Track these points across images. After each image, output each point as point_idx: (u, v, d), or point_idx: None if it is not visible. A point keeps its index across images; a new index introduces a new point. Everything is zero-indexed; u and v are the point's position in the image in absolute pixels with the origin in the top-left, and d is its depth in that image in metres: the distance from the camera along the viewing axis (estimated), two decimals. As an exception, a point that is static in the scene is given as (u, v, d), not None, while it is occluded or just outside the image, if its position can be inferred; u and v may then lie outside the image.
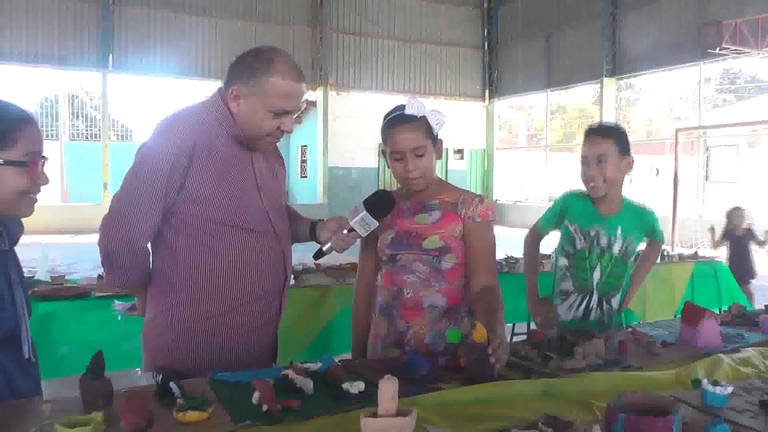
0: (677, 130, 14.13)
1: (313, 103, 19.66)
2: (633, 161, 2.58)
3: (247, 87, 1.91)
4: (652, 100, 30.33)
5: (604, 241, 2.58)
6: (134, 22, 16.16)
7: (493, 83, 20.36)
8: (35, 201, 1.67)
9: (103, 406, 1.53)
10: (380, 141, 2.21)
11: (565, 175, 22.71)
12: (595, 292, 2.62)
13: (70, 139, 24.15)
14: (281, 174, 2.20)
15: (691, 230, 12.78)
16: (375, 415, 1.23)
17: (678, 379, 1.78)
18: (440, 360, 1.88)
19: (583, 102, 29.20)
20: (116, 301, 2.23)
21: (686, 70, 15.45)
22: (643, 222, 2.64)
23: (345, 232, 2.04)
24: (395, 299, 2.17)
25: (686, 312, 2.22)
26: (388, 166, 2.19)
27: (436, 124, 2.17)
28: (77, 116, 25.77)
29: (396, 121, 2.13)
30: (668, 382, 1.77)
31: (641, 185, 22.88)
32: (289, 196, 22.43)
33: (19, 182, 1.59)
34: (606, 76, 15.92)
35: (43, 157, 1.67)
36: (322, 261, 2.26)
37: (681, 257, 5.83)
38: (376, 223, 2.05)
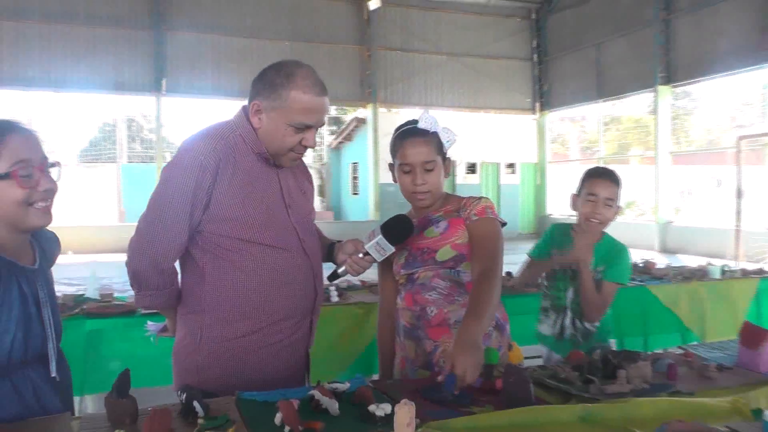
0: (740, 138, 13.61)
1: (363, 121, 19.78)
2: (620, 209, 2.75)
3: (268, 101, 1.89)
4: (712, 107, 29.48)
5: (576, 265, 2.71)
6: (186, 46, 16.55)
7: (543, 95, 20.08)
8: (47, 209, 1.64)
9: (128, 424, 1.53)
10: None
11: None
12: (568, 310, 2.73)
13: (128, 161, 24.94)
14: (310, 191, 2.17)
15: (757, 244, 12.26)
16: None
17: (735, 408, 1.64)
18: (476, 381, 1.80)
19: (638, 112, 28.56)
20: (149, 322, 2.23)
21: (749, 75, 14.82)
22: (610, 254, 2.69)
23: (360, 255, 1.99)
24: (419, 319, 2.11)
25: (745, 333, 2.06)
26: (395, 181, 2.16)
27: (447, 141, 2.15)
28: (134, 139, 26.56)
29: (408, 134, 2.12)
30: (723, 411, 1.63)
31: (701, 197, 22.18)
32: (341, 213, 22.59)
33: (14, 193, 1.56)
34: (660, 85, 15.47)
35: (51, 163, 1.64)
36: (363, 277, 2.24)
37: (744, 272, 5.49)
38: (392, 249, 2.00)
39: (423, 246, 2.10)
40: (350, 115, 25.01)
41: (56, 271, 1.87)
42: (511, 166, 20.66)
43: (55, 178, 1.65)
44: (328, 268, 2.10)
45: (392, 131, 2.21)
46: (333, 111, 28.47)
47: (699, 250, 13.56)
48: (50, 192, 1.64)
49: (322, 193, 24.76)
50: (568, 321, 2.71)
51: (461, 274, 2.08)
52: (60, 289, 2.11)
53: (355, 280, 4.17)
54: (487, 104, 19.83)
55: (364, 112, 19.17)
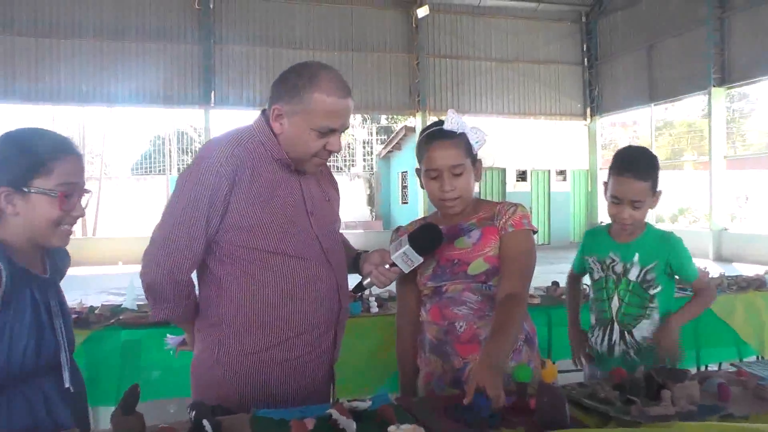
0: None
1: (412, 129, 19.70)
2: (661, 193, 2.38)
3: (290, 105, 1.81)
4: (771, 110, 28.35)
5: (619, 267, 2.41)
6: (234, 58, 16.79)
7: (594, 100, 19.64)
8: (69, 233, 1.66)
9: None
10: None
11: (673, 194, 21.57)
12: (615, 323, 2.42)
13: (178, 173, 25.26)
14: (335, 199, 2.08)
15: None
16: None
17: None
18: (506, 400, 1.68)
19: (692, 116, 27.70)
20: (168, 335, 2.18)
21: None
22: (663, 250, 2.36)
23: (387, 266, 1.90)
24: (447, 334, 1.99)
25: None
26: (422, 186, 2.04)
27: (476, 142, 2.01)
28: (185, 152, 27.08)
29: (434, 136, 1.99)
30: (780, 436, 1.47)
31: (759, 203, 21.34)
32: (390, 222, 22.52)
33: (51, 212, 1.58)
34: (714, 86, 14.91)
35: (86, 190, 1.66)
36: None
37: (810, 281, 5.16)
38: (421, 259, 1.90)
39: (454, 257, 1.98)
40: (399, 123, 24.99)
41: (104, 281, 1.87)
42: (561, 173, 20.28)
43: (83, 205, 1.68)
44: (355, 279, 2.01)
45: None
46: (383, 120, 28.55)
47: (756, 258, 13.01)
48: (78, 218, 1.68)
49: (371, 203, 24.79)
50: (616, 336, 2.39)
51: (492, 288, 1.97)
52: (109, 299, 2.10)
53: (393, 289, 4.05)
54: (537, 110, 19.53)
55: (414, 120, 19.09)
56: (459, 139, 1.97)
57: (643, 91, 17.57)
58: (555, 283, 4.55)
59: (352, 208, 22.84)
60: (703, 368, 4.54)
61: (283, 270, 1.83)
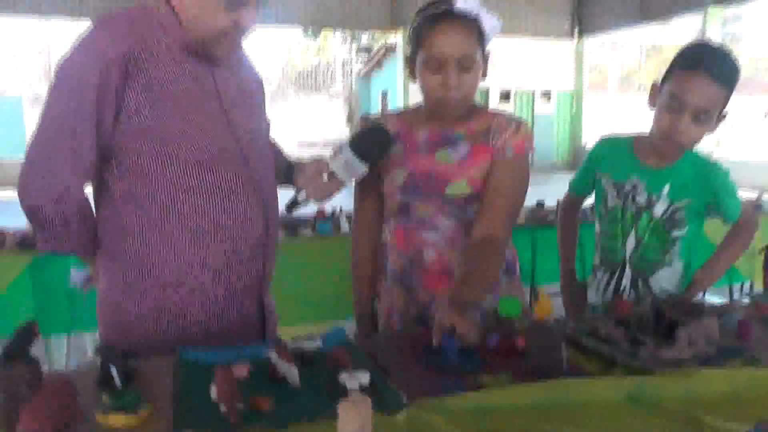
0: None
1: (393, 48, 18.97)
2: (725, 118, 1.79)
3: None
4: (761, 33, 27.80)
5: (642, 198, 1.88)
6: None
7: (582, 19, 18.97)
8: None
9: (26, 397, 1.13)
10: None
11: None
12: (627, 266, 1.93)
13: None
14: (259, 95, 1.68)
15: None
16: None
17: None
18: (490, 340, 1.39)
19: (683, 40, 27.09)
20: (72, 268, 1.84)
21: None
22: (706, 184, 1.84)
23: (324, 177, 1.56)
24: (413, 263, 1.67)
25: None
26: (411, 79, 1.64)
27: (490, 30, 1.60)
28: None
29: (440, 17, 1.55)
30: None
31: (747, 129, 21.16)
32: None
33: None
34: (711, 4, 14.32)
35: None
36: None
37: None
38: (365, 169, 1.56)
39: (430, 171, 1.62)
40: (380, 41, 24.22)
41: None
42: (546, 94, 19.84)
43: None
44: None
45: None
46: (363, 39, 27.64)
47: (743, 183, 12.78)
48: None
49: (350, 123, 24.25)
50: (627, 282, 1.93)
51: (470, 214, 1.63)
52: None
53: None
54: (523, 28, 18.80)
55: (393, 37, 18.34)
56: (472, 24, 1.56)
57: (634, 9, 16.91)
58: (540, 204, 4.27)
59: (331, 128, 22.30)
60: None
61: (193, 183, 1.46)
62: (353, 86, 25.15)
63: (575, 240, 2.19)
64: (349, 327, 1.78)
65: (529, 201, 4.44)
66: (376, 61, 21.88)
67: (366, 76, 23.61)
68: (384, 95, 21.42)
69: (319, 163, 1.60)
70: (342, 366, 1.22)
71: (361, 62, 25.18)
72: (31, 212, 1.45)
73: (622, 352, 1.30)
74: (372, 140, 1.56)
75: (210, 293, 1.53)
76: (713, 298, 4.73)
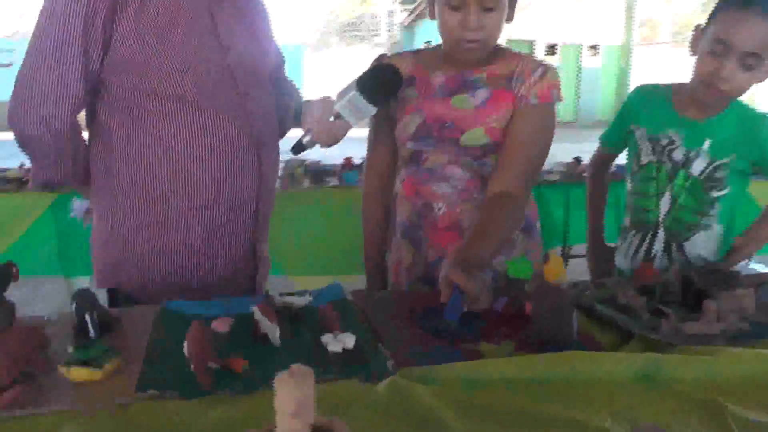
0: None
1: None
2: None
3: None
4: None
5: (679, 154, 1.70)
6: None
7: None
8: None
9: None
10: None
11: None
12: (660, 229, 1.76)
13: None
14: (263, 28, 1.58)
15: None
16: None
17: None
18: (496, 303, 1.27)
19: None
20: (75, 199, 1.79)
21: None
22: (753, 139, 1.65)
23: (331, 119, 1.44)
24: (422, 217, 1.55)
25: None
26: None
27: None
28: None
29: None
30: None
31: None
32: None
33: None
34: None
35: None
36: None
37: None
38: (373, 110, 1.43)
39: (445, 117, 1.48)
40: (425, -9, 23.69)
41: None
42: (594, 47, 19.17)
43: None
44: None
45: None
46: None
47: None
48: None
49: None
50: (659, 246, 1.77)
51: (488, 166, 1.50)
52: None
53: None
54: (572, -22, 18.14)
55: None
56: None
57: (691, -41, 16.10)
58: (577, 159, 4.08)
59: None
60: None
61: (186, 122, 1.41)
62: (397, 37, 24.68)
63: (604, 199, 2.03)
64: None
65: (567, 157, 4.28)
66: (420, 11, 21.41)
67: (410, 27, 23.13)
68: (428, 46, 21.05)
69: (325, 103, 1.49)
70: (330, 326, 1.12)
71: (405, 12, 24.72)
72: (20, 140, 1.43)
73: (640, 324, 1.18)
74: (380, 80, 1.43)
75: (198, 233, 1.48)
76: (756, 267, 4.52)
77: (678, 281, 1.30)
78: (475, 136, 1.45)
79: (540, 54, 18.58)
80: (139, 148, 1.41)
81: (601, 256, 1.98)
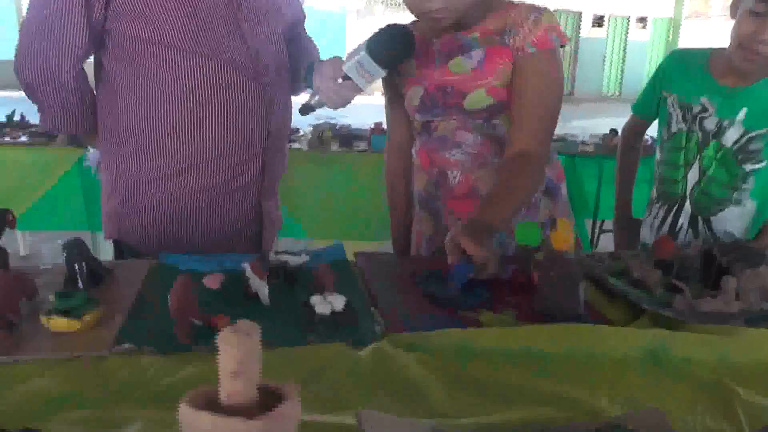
0: None
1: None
2: None
3: None
4: None
5: (711, 123, 1.58)
6: None
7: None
8: None
9: None
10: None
11: None
12: (687, 201, 1.66)
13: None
14: None
15: None
16: (214, 401, 0.60)
17: None
18: (504, 272, 1.21)
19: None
20: (90, 149, 1.78)
21: None
22: None
23: (339, 80, 1.36)
24: (438, 186, 1.48)
25: None
26: None
27: None
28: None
29: None
30: None
31: None
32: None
33: None
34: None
35: None
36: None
37: None
38: (382, 72, 1.35)
39: (446, 84, 1.39)
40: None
41: None
42: (642, 20, 18.61)
43: None
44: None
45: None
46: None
47: None
48: None
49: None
50: (684, 220, 1.67)
51: (498, 128, 1.41)
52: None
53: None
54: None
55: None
56: None
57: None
58: (613, 131, 3.94)
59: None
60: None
61: (192, 73, 1.37)
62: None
63: (634, 169, 1.93)
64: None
65: (604, 129, 4.15)
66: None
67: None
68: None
69: (334, 64, 1.42)
70: (323, 287, 1.07)
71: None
72: (26, 89, 1.43)
73: (652, 299, 1.10)
74: (390, 41, 1.35)
75: (202, 188, 1.46)
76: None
77: (698, 256, 1.21)
78: (478, 98, 1.37)
79: (587, 25, 18.11)
80: (143, 98, 1.39)
81: (627, 229, 1.90)
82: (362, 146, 3.78)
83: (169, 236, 1.46)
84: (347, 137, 3.82)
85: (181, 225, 1.45)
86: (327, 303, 0.98)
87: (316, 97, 1.43)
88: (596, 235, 4.02)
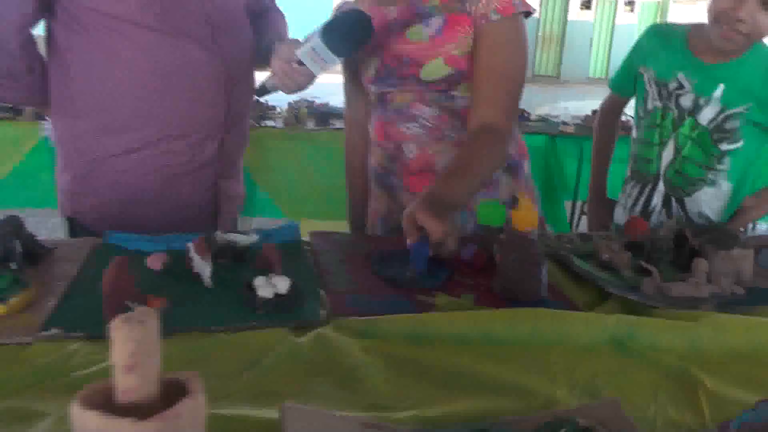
0: None
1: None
2: None
3: None
4: None
5: (687, 100, 1.53)
6: None
7: None
8: None
9: None
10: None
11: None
12: (661, 181, 1.61)
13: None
14: None
15: None
16: (110, 398, 0.53)
17: None
18: (465, 251, 1.15)
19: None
20: (44, 122, 1.69)
21: None
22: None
23: (294, 64, 1.29)
24: (394, 161, 1.41)
25: None
26: None
27: None
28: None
29: None
30: None
31: None
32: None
33: None
34: None
35: None
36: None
37: None
38: (336, 60, 1.27)
39: (402, 53, 1.32)
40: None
41: None
42: (630, 3, 18.51)
43: None
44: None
45: None
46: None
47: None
48: None
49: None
50: (658, 200, 1.62)
51: (457, 100, 1.34)
52: None
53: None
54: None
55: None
56: None
57: None
58: (594, 112, 3.88)
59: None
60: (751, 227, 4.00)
61: (147, 48, 1.29)
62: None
63: (611, 148, 1.88)
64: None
65: (586, 110, 4.08)
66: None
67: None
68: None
69: (290, 48, 1.34)
70: (269, 267, 1.01)
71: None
72: None
73: (620, 282, 1.05)
74: (346, 28, 1.27)
75: (157, 166, 1.38)
76: (763, 226, 4.32)
77: (670, 238, 1.16)
78: (435, 68, 1.30)
79: (575, 7, 18.00)
80: (98, 73, 1.30)
81: (601, 208, 1.85)
82: (339, 124, 3.69)
83: (124, 215, 1.39)
84: (324, 115, 3.74)
85: (137, 204, 1.38)
86: (270, 285, 0.92)
87: (270, 80, 1.36)
88: (577, 216, 3.98)
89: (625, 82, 1.72)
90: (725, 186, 1.57)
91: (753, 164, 1.60)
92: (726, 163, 1.55)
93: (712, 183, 1.57)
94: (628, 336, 0.88)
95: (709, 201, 1.58)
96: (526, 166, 1.46)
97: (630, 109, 1.82)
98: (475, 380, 0.78)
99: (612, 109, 1.85)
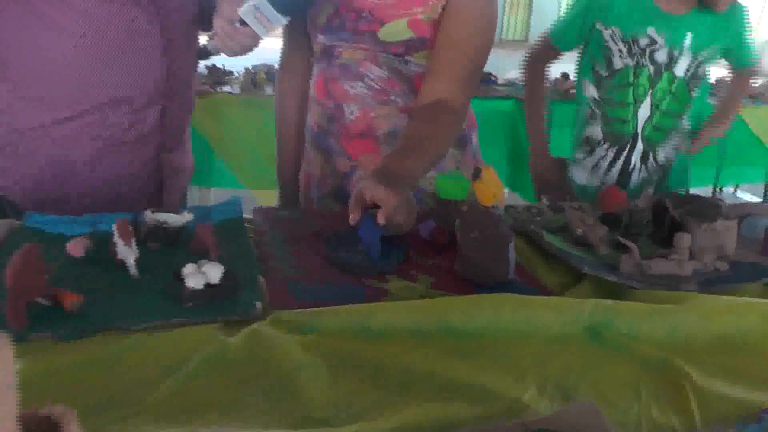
0: None
1: None
2: None
3: None
4: None
5: (662, 55, 1.51)
6: None
7: None
8: None
9: None
10: None
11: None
12: (639, 141, 1.59)
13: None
14: None
15: None
16: None
17: None
18: (423, 228, 1.05)
19: None
20: None
21: None
22: (724, 27, 1.53)
23: (237, 24, 1.15)
24: (333, 121, 1.29)
25: None
26: None
27: None
28: None
29: None
30: None
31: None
32: None
33: None
34: None
35: None
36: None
37: None
38: (282, 20, 1.14)
39: (362, 6, 1.19)
40: None
41: None
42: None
43: None
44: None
45: None
46: None
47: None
48: None
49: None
50: (637, 158, 1.60)
51: (411, 65, 1.23)
52: None
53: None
54: None
55: None
56: None
57: None
58: (565, 75, 3.78)
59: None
60: (719, 190, 3.97)
61: (81, 9, 1.14)
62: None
63: (546, 102, 1.83)
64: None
65: (555, 74, 3.98)
66: None
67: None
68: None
69: (231, 6, 1.20)
70: (203, 252, 0.90)
71: None
72: None
73: (596, 260, 0.95)
74: None
75: (92, 139, 1.24)
76: (744, 195, 4.31)
77: (649, 210, 1.06)
78: (397, 29, 1.18)
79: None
80: (20, 35, 1.15)
81: (547, 168, 1.77)
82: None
83: (53, 193, 1.25)
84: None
85: (67, 180, 1.24)
86: (200, 274, 0.80)
87: (211, 41, 1.22)
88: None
89: (573, 36, 1.64)
90: (686, 124, 1.63)
91: (705, 96, 1.73)
92: (691, 106, 1.59)
93: (680, 130, 1.62)
94: (604, 324, 0.79)
95: (673, 144, 1.62)
96: (474, 138, 1.37)
97: (563, 67, 1.77)
98: (431, 382, 0.67)
99: (547, 61, 1.77)
